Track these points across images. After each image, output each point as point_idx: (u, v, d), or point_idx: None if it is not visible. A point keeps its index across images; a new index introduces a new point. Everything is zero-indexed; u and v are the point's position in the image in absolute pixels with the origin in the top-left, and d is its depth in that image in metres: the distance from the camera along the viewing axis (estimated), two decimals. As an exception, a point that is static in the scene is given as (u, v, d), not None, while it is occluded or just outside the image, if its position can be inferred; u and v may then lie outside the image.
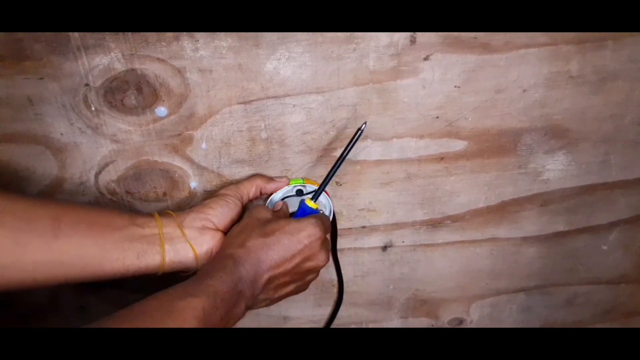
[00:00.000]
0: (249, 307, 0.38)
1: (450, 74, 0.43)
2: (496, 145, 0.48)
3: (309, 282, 0.43)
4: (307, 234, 0.39)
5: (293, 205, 0.45)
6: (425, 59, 0.42)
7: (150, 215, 0.40)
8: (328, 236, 0.43)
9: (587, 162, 0.50)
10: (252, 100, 0.43)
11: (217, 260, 0.38)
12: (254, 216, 0.41)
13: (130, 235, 0.38)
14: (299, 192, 0.46)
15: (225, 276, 0.35)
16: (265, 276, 0.38)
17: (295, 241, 0.39)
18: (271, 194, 0.46)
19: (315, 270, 0.42)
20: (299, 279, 0.41)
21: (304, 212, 0.43)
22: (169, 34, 0.39)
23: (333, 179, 0.45)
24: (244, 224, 0.41)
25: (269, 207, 0.47)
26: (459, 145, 0.47)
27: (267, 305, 0.41)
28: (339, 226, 0.51)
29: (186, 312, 0.31)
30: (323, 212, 0.45)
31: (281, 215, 0.43)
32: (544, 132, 0.47)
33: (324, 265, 0.41)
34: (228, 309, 0.35)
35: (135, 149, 0.44)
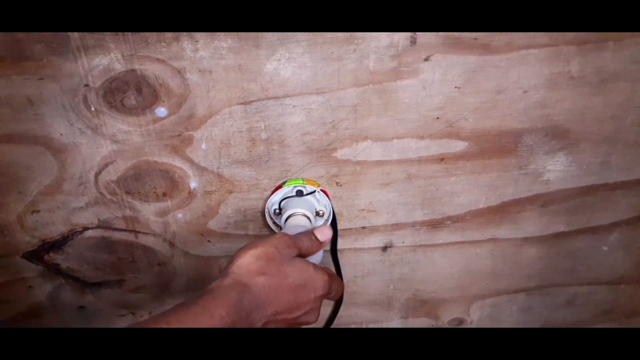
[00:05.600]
0: None
1: (451, 74, 0.43)
2: (497, 146, 0.48)
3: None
4: (317, 287, 0.38)
5: (292, 206, 0.45)
6: (426, 59, 0.42)
7: None
8: None
9: (588, 162, 0.50)
10: (252, 101, 0.43)
11: (222, 289, 0.34)
12: (278, 249, 0.38)
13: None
14: (299, 193, 0.46)
15: (227, 314, 0.32)
16: (264, 320, 0.36)
17: (306, 294, 0.37)
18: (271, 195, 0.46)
19: (303, 324, 0.40)
20: (286, 327, 0.39)
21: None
22: (169, 35, 0.39)
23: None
24: (266, 252, 0.37)
25: (270, 209, 0.47)
26: (459, 145, 0.47)
27: None
28: (339, 227, 0.51)
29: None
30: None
31: (303, 248, 0.40)
32: (544, 132, 0.47)
33: (310, 323, 0.40)
34: None
35: (135, 150, 0.44)
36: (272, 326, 0.37)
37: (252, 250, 0.37)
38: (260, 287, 0.35)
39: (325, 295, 0.40)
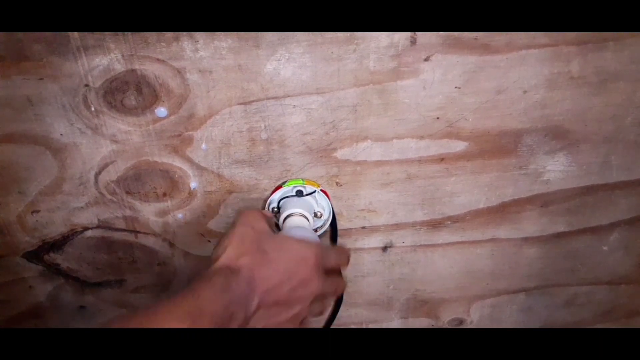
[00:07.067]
0: None
1: (451, 74, 0.43)
2: (497, 146, 0.48)
3: (301, 315, 0.38)
4: (305, 255, 0.37)
5: (290, 206, 0.45)
6: (426, 59, 0.42)
7: None
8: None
9: (588, 163, 0.50)
10: (252, 101, 0.43)
11: (207, 276, 0.34)
12: (251, 225, 0.38)
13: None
14: (299, 193, 0.46)
15: (215, 297, 0.32)
16: (257, 299, 0.35)
17: (293, 263, 0.37)
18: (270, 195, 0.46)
19: (305, 299, 0.38)
20: (290, 307, 0.37)
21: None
22: (169, 35, 0.39)
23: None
24: (240, 233, 0.37)
25: (268, 208, 0.47)
26: (459, 146, 0.47)
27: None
28: (339, 226, 0.51)
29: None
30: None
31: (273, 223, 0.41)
32: (544, 133, 0.47)
33: (314, 295, 0.38)
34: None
35: (135, 150, 0.44)
36: (269, 305, 0.36)
37: (225, 239, 0.37)
38: (246, 267, 0.35)
39: (322, 263, 0.38)
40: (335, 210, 0.50)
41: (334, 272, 0.42)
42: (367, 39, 0.41)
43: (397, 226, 0.52)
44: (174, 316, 0.30)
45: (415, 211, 0.51)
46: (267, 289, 0.35)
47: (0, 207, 0.46)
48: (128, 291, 0.54)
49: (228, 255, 0.36)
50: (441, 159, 0.48)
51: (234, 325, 0.33)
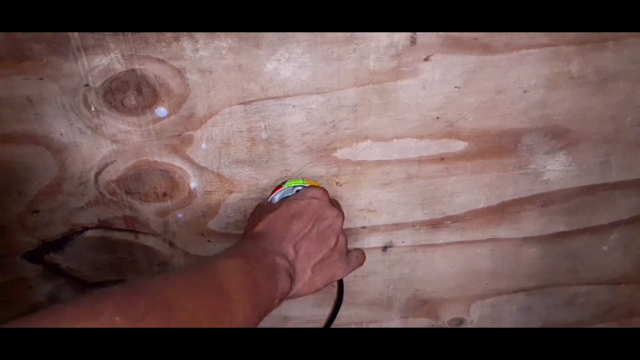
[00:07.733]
0: (294, 278, 0.37)
1: (451, 74, 0.43)
2: (497, 146, 0.48)
3: (342, 247, 0.42)
4: (310, 195, 0.41)
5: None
6: (426, 59, 0.42)
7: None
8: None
9: (588, 162, 0.50)
10: (252, 101, 0.43)
11: (236, 243, 0.39)
12: (258, 207, 0.44)
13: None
14: (299, 193, 0.46)
15: (252, 246, 0.36)
16: (291, 245, 0.38)
17: (304, 204, 0.40)
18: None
19: (335, 230, 0.41)
20: (325, 242, 0.40)
21: None
22: (169, 35, 0.39)
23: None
24: (252, 216, 0.43)
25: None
26: (459, 145, 0.47)
27: (316, 284, 0.40)
28: (339, 226, 0.51)
29: (227, 269, 0.32)
30: None
31: None
32: (544, 132, 0.47)
33: (341, 223, 0.41)
34: (268, 273, 0.35)
35: (135, 149, 0.44)
36: (306, 249, 0.39)
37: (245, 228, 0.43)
38: (266, 228, 0.39)
39: (327, 197, 0.42)
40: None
41: None
42: (367, 39, 0.41)
43: (397, 226, 0.52)
44: (227, 255, 0.34)
45: (415, 211, 0.51)
46: (294, 235, 0.39)
47: (0, 207, 0.46)
48: (128, 291, 0.54)
49: (248, 230, 0.41)
50: (441, 158, 0.48)
51: (283, 272, 0.36)
